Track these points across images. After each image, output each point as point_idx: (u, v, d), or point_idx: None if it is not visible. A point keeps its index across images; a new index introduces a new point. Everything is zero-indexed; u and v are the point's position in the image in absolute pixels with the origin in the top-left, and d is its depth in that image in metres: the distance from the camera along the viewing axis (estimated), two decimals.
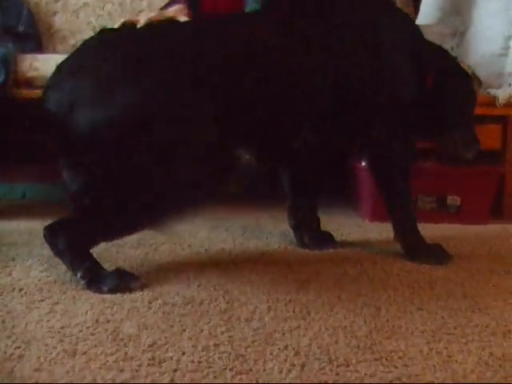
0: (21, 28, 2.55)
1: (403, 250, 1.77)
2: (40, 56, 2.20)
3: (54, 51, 2.57)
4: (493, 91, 2.25)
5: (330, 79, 1.60)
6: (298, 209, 1.92)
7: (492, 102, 2.23)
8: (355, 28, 1.67)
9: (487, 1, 2.28)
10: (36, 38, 2.61)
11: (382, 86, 1.68)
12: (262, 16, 1.71)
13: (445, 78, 1.79)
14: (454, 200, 2.22)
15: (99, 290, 1.45)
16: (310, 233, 1.89)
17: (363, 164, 2.17)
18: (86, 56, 1.52)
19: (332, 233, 1.93)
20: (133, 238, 1.88)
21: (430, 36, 1.87)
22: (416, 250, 1.76)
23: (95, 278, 1.47)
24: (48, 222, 2.02)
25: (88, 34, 2.66)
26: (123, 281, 1.48)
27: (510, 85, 2.23)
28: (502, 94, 2.22)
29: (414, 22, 1.83)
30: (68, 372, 1.08)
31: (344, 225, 2.14)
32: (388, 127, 1.72)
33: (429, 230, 1.82)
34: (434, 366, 1.14)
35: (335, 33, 1.64)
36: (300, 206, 1.92)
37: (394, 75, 1.70)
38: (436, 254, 1.75)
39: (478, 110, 2.12)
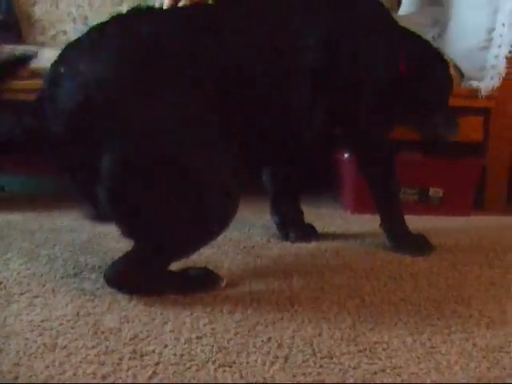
0: (0, 18, 2.51)
1: (387, 239, 1.77)
2: (20, 47, 2.17)
3: (34, 42, 2.53)
4: (475, 83, 2.25)
5: (312, 71, 1.58)
6: (281, 203, 1.90)
7: (474, 94, 2.23)
8: (329, 17, 1.63)
9: None
10: (15, 29, 2.58)
11: (358, 73, 1.65)
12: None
13: (418, 63, 1.77)
14: (436, 192, 2.22)
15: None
16: (294, 227, 1.87)
17: (345, 156, 2.16)
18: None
19: (314, 225, 1.92)
20: (114, 231, 1.86)
21: (408, 26, 1.85)
22: (400, 240, 1.76)
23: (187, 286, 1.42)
24: (27, 214, 2.02)
25: (68, 24, 2.64)
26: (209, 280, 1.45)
27: (492, 77, 2.23)
28: (484, 86, 2.22)
29: (386, 9, 1.78)
30: (48, 366, 1.06)
31: (326, 216, 2.14)
32: (365, 115, 1.70)
33: (411, 222, 1.81)
34: (418, 357, 1.14)
35: (309, 22, 1.59)
36: (283, 201, 1.90)
37: (368, 62, 1.67)
38: (419, 245, 1.75)
39: (460, 102, 2.13)
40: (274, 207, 1.90)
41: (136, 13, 1.46)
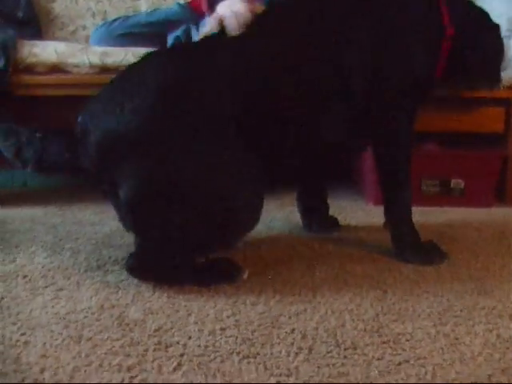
0: (20, 14, 2.52)
1: (391, 241, 1.65)
2: (39, 42, 2.18)
3: (54, 37, 2.54)
4: None
5: (354, 69, 1.53)
6: (308, 194, 1.89)
7: None
8: (367, 12, 1.57)
9: None
10: (35, 24, 2.59)
11: (395, 70, 1.58)
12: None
13: (466, 30, 1.65)
14: (457, 183, 2.21)
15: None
16: (318, 218, 1.87)
17: None
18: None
19: (336, 216, 1.92)
20: None
21: None
22: (405, 244, 1.62)
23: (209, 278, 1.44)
24: (50, 209, 2.04)
25: (88, 19, 2.65)
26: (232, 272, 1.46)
27: None
28: (506, 77, 2.19)
29: None
30: (74, 358, 1.08)
31: (348, 208, 2.13)
32: (397, 111, 1.61)
33: (433, 214, 1.81)
34: (442, 348, 1.14)
35: (350, 20, 1.56)
36: (311, 191, 1.89)
37: (406, 58, 1.59)
38: (427, 253, 1.61)
39: (481, 93, 2.11)
40: (300, 196, 1.89)
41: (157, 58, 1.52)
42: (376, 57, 1.54)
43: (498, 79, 1.81)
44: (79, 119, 1.44)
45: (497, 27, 1.74)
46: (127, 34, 2.32)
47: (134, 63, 1.53)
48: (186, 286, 1.40)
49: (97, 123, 1.39)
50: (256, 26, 1.58)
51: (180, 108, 1.38)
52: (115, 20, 2.41)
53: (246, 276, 1.46)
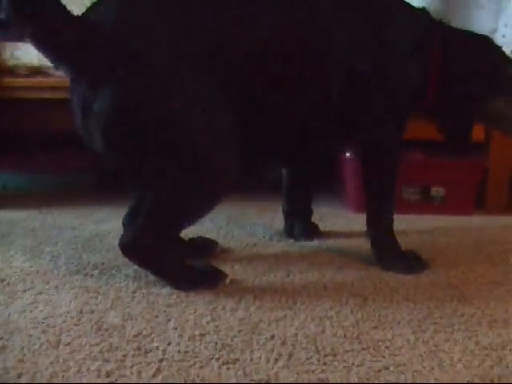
0: (2, 16, 2.51)
1: (372, 249, 1.65)
2: (21, 45, 2.17)
3: None
4: None
5: (344, 71, 1.53)
6: (293, 200, 1.89)
7: None
8: (362, 16, 1.56)
9: None
10: (17, 27, 2.57)
11: (387, 76, 1.57)
12: None
13: (453, 47, 1.63)
14: (438, 191, 2.23)
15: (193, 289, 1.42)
16: (301, 224, 1.87)
17: (348, 155, 2.16)
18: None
19: (317, 223, 1.92)
20: (117, 228, 1.87)
21: None
22: (386, 252, 1.63)
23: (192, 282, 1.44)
24: (30, 212, 2.03)
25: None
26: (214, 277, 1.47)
27: None
28: None
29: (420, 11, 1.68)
30: (52, 363, 1.07)
31: (328, 215, 2.13)
32: (385, 118, 1.61)
33: (413, 222, 1.82)
34: (421, 355, 1.14)
35: (347, 21, 1.55)
36: (296, 198, 1.90)
37: (398, 64, 1.58)
38: (407, 261, 1.61)
39: None
40: (285, 200, 1.89)
41: None
42: (366, 63, 1.55)
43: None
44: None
45: (486, 37, 1.72)
46: None
47: None
48: (167, 283, 1.42)
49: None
50: None
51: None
52: None
53: (227, 281, 1.46)
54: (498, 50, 1.71)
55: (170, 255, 1.45)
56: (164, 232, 1.43)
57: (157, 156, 1.35)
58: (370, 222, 1.66)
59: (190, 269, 1.48)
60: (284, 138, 1.61)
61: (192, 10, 1.39)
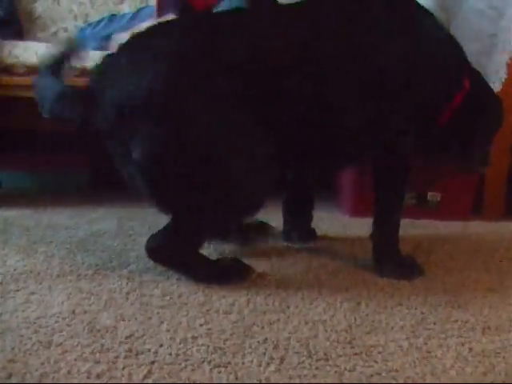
0: (1, 14, 2.51)
1: (372, 253, 1.64)
2: (20, 43, 2.16)
3: (35, 38, 2.52)
4: None
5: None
6: (295, 202, 1.90)
7: None
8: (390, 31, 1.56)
9: None
10: (17, 25, 2.57)
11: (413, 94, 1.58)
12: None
13: (477, 97, 1.68)
14: (434, 196, 2.23)
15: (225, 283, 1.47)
16: (298, 229, 1.88)
17: None
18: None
19: (313, 227, 1.92)
20: (111, 228, 1.87)
21: None
22: (385, 258, 1.62)
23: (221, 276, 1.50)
24: (25, 211, 2.02)
25: (69, 22, 2.64)
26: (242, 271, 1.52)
27: (493, 83, 2.22)
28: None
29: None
30: (43, 363, 1.06)
31: (325, 220, 2.13)
32: (403, 136, 1.61)
33: (409, 226, 1.81)
34: (414, 361, 1.14)
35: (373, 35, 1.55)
36: (298, 201, 1.90)
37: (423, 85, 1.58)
38: (404, 269, 1.61)
39: None
40: (287, 202, 1.89)
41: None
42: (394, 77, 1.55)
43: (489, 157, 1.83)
44: (92, 77, 1.48)
45: (501, 100, 1.77)
46: (110, 37, 2.31)
47: (151, 27, 1.53)
48: (196, 278, 1.46)
49: (113, 84, 1.40)
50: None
51: (198, 76, 1.39)
52: (100, 21, 2.40)
53: (255, 275, 1.51)
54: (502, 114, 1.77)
55: (195, 254, 1.50)
56: (189, 244, 1.49)
57: (193, 189, 1.41)
58: (375, 226, 1.65)
59: (217, 265, 1.53)
60: (314, 160, 1.63)
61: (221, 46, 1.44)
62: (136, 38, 1.51)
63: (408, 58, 1.55)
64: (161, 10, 2.02)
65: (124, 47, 1.49)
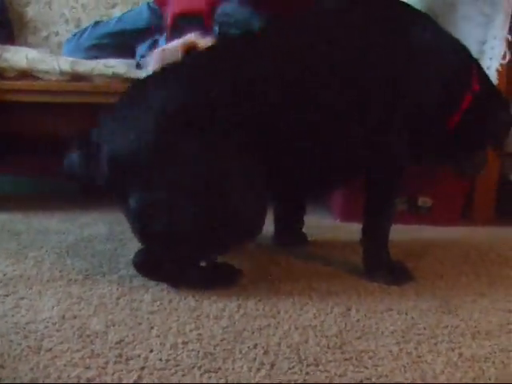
0: None
1: (363, 257, 1.64)
2: (11, 47, 2.16)
3: (26, 43, 2.51)
4: None
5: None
6: (288, 207, 1.90)
7: None
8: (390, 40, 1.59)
9: (464, 4, 2.28)
10: (7, 29, 2.56)
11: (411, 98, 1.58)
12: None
13: (486, 101, 1.68)
14: (425, 201, 2.23)
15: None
16: (289, 232, 1.89)
17: None
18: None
19: (304, 232, 1.92)
20: (102, 233, 1.86)
21: None
22: (375, 263, 1.62)
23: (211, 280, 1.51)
24: (15, 215, 2.01)
25: (61, 26, 2.62)
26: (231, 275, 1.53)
27: None
28: None
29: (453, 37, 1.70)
30: (32, 369, 1.06)
31: (315, 224, 2.13)
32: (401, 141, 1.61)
33: (399, 231, 1.81)
34: (404, 366, 1.14)
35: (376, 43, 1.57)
36: (291, 205, 1.91)
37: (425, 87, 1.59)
38: (394, 274, 1.60)
39: None
40: (279, 206, 1.89)
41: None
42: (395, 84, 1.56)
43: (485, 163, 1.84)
44: (94, 131, 1.49)
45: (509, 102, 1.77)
46: (96, 46, 2.30)
47: (149, 76, 1.59)
48: (191, 286, 1.46)
49: (109, 139, 1.45)
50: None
51: (188, 128, 1.42)
52: (85, 30, 2.39)
53: (243, 280, 1.52)
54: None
55: (185, 263, 1.50)
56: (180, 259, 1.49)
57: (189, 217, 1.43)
58: (365, 231, 1.65)
59: (206, 269, 1.53)
60: (311, 177, 1.63)
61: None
62: (132, 89, 1.56)
63: (411, 64, 1.57)
64: (174, 29, 2.00)
65: (121, 100, 1.54)
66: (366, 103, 1.54)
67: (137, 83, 1.59)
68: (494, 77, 2.16)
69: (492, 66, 2.17)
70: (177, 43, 1.88)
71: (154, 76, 1.57)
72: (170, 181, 1.41)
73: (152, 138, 1.41)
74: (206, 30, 1.98)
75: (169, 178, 1.41)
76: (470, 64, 1.69)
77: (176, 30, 1.98)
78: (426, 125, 1.63)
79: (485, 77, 1.74)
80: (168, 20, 2.07)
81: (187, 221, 1.41)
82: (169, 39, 2.01)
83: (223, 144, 1.42)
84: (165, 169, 1.41)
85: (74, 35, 2.41)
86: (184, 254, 1.47)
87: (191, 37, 1.89)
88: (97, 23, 2.42)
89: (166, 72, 1.54)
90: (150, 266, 1.48)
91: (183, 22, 1.96)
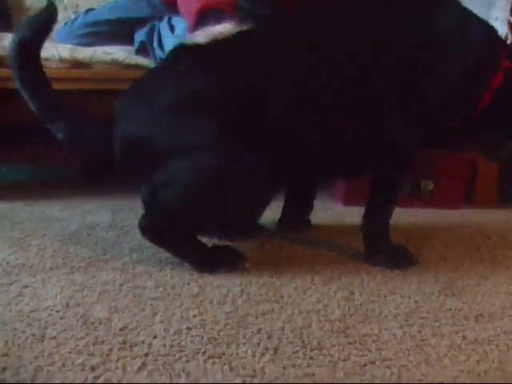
0: None
1: (364, 242, 1.63)
2: (9, 35, 2.14)
3: None
4: None
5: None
6: (299, 191, 1.91)
7: None
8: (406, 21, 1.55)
9: None
10: (7, 16, 2.55)
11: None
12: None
13: None
14: (427, 185, 2.23)
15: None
16: (295, 218, 1.90)
17: None
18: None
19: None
20: (104, 220, 1.86)
21: None
22: (377, 248, 1.62)
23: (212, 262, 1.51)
24: (17, 204, 2.02)
25: (59, 13, 2.61)
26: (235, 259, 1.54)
27: None
28: None
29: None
30: (37, 357, 1.06)
31: (318, 209, 2.12)
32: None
33: (402, 215, 1.81)
34: (408, 349, 1.14)
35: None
36: (302, 190, 1.91)
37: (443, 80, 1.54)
38: (397, 258, 1.60)
39: None
40: (291, 189, 1.89)
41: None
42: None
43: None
44: (115, 106, 1.52)
45: None
46: (90, 33, 2.28)
47: (168, 59, 1.61)
48: (192, 262, 1.49)
49: (122, 117, 1.49)
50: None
51: (199, 113, 1.43)
52: (76, 18, 2.37)
53: (248, 265, 1.51)
54: None
55: (188, 237, 1.52)
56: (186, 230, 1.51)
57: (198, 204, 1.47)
58: (367, 220, 1.64)
59: (211, 252, 1.54)
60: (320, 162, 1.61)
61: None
62: (150, 75, 1.60)
63: (435, 45, 1.53)
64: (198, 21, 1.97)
65: (139, 82, 1.57)
66: (390, 86, 1.51)
67: (158, 65, 1.62)
68: None
69: None
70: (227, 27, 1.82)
71: (174, 59, 1.57)
72: (177, 161, 1.42)
73: (163, 118, 1.43)
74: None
75: (177, 159, 1.42)
76: (497, 42, 1.63)
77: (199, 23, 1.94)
78: (451, 108, 1.58)
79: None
80: (191, 15, 2.02)
81: (191, 199, 1.45)
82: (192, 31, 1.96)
83: (234, 131, 1.42)
84: (174, 149, 1.42)
85: (65, 23, 2.40)
86: (186, 228, 1.50)
87: (229, 25, 1.84)
88: (88, 11, 2.40)
89: (188, 57, 1.54)
90: (155, 231, 1.50)
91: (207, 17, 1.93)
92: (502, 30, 2.15)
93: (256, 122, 1.44)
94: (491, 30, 1.63)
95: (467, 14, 1.61)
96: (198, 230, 1.54)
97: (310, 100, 1.48)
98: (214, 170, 1.42)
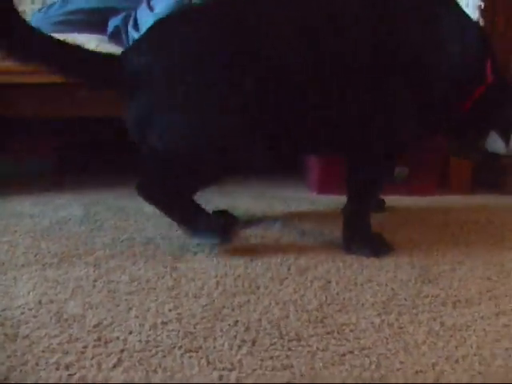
0: None
1: (343, 229, 1.62)
2: None
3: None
4: None
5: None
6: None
7: None
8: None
9: None
10: None
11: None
12: None
13: (497, 93, 1.67)
14: (401, 171, 2.23)
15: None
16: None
17: None
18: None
19: (280, 206, 1.91)
20: (77, 215, 1.84)
21: None
22: (355, 235, 1.61)
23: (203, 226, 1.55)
24: None
25: (27, 5, 2.57)
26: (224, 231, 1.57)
27: None
28: None
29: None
30: (9, 357, 1.04)
31: (292, 198, 2.13)
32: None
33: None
34: (386, 337, 1.14)
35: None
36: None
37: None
38: (373, 246, 1.60)
39: None
40: None
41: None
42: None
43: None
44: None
45: None
46: (65, 21, 2.26)
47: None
48: (182, 223, 1.54)
49: (133, 49, 1.55)
50: None
51: (203, 59, 1.47)
52: (52, 5, 2.34)
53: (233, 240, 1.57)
54: None
55: (187, 201, 1.57)
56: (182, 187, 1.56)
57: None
58: (348, 207, 1.64)
59: (201, 213, 1.57)
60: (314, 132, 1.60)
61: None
62: (163, 23, 1.59)
63: (435, 43, 1.57)
64: None
65: (153, 28, 1.58)
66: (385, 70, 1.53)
67: (164, 19, 1.62)
68: None
69: None
70: None
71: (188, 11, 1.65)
72: (172, 97, 1.47)
73: (168, 56, 1.48)
74: None
75: (172, 95, 1.46)
76: (485, 47, 1.67)
77: None
78: (439, 103, 1.62)
79: (497, 68, 1.70)
80: None
81: (179, 140, 1.48)
82: None
83: (236, 85, 1.45)
84: (172, 85, 1.46)
85: (40, 10, 2.37)
86: (173, 173, 1.52)
87: None
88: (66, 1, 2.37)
89: (202, 9, 1.59)
90: (146, 187, 1.54)
91: None
92: (472, 15, 2.15)
93: (262, 75, 1.46)
94: (481, 32, 1.69)
95: (465, 17, 1.67)
96: (193, 177, 1.55)
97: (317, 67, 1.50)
98: (211, 111, 1.46)
